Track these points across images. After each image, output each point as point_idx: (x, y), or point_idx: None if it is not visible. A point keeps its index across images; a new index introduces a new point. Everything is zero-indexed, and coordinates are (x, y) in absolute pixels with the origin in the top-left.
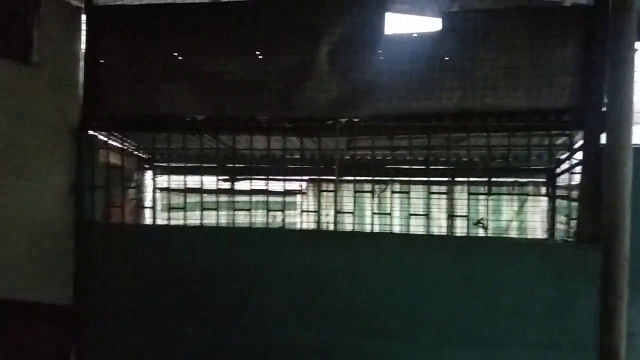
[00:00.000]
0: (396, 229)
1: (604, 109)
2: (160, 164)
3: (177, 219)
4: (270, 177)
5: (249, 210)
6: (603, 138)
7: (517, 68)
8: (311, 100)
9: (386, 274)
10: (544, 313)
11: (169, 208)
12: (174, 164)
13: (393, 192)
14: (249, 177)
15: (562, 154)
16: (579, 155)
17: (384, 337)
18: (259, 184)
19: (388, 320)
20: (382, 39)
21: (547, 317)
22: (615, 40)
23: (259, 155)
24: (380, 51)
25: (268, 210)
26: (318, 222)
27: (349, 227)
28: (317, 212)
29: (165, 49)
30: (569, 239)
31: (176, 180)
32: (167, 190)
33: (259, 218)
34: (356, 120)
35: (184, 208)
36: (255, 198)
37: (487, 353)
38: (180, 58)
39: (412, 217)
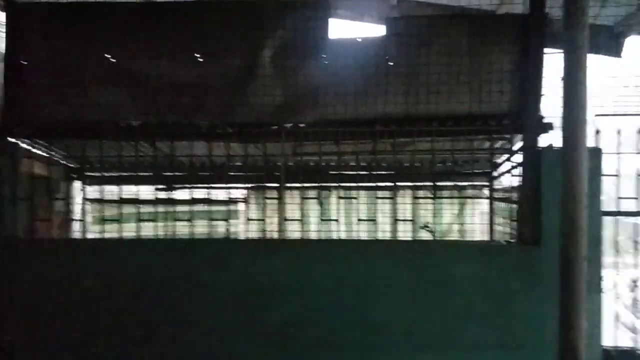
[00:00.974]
0: (343, 235)
1: (541, 113)
2: (91, 174)
3: (111, 231)
4: (211, 185)
5: (190, 220)
6: (540, 141)
7: (458, 74)
8: (255, 105)
9: (333, 281)
10: (489, 314)
11: (102, 220)
12: (106, 174)
13: (339, 197)
14: (188, 185)
15: (501, 157)
16: (516, 158)
17: (333, 346)
18: (199, 193)
19: (336, 328)
20: (326, 43)
21: (492, 318)
22: (569, 47)
23: (200, 163)
24: (325, 56)
25: (210, 220)
26: (263, 230)
27: (295, 235)
28: (262, 220)
29: (97, 50)
30: (511, 241)
31: (109, 191)
32: (99, 201)
33: (200, 228)
34: (302, 125)
35: (118, 220)
36: (196, 207)
37: (435, 356)
38: (113, 60)
39: (358, 222)
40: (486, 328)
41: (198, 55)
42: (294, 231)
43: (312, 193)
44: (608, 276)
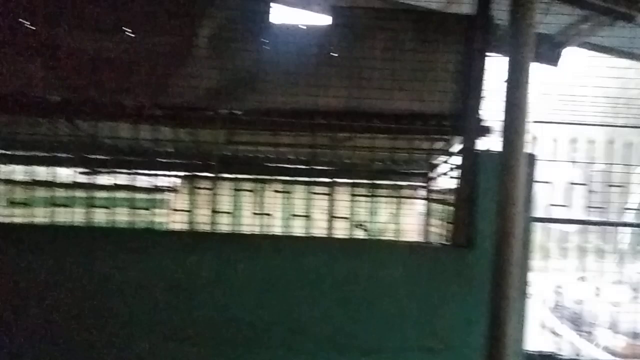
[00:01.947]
0: (277, 230)
1: (481, 116)
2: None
3: (22, 216)
4: (137, 171)
5: (111, 208)
6: (479, 144)
7: (402, 70)
8: (188, 88)
9: (264, 277)
10: (418, 316)
11: (11, 203)
12: (18, 153)
13: (274, 191)
14: (111, 170)
15: (439, 158)
16: (454, 160)
17: (256, 346)
18: (123, 179)
19: (264, 327)
20: (267, 27)
21: (421, 320)
22: (514, 53)
23: (125, 146)
24: (265, 41)
25: (134, 209)
26: (191, 222)
27: (226, 229)
28: (191, 211)
29: (9, 14)
30: (444, 243)
31: (21, 172)
32: (9, 182)
33: (122, 217)
34: (238, 112)
35: (29, 203)
36: (118, 194)
37: (364, 359)
38: (31, 27)
39: (293, 217)
40: (415, 330)
41: (128, 30)
42: (224, 224)
43: (246, 185)
44: (535, 281)
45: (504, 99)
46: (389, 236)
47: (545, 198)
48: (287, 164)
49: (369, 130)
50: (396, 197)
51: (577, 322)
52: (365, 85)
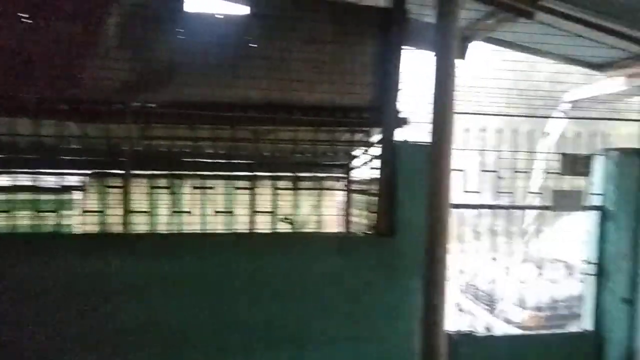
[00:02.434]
0: (197, 228)
1: (398, 108)
2: None
3: None
4: (40, 170)
5: (11, 211)
6: (397, 135)
7: (322, 63)
8: (95, 80)
9: (185, 277)
10: (347, 306)
11: None
12: None
13: (193, 187)
14: (10, 170)
15: (359, 150)
16: (374, 151)
17: (185, 348)
18: (25, 179)
19: (187, 328)
20: (181, 15)
21: (350, 310)
22: (440, 47)
23: (26, 144)
24: (179, 30)
25: (37, 212)
26: (102, 223)
27: (140, 229)
28: (102, 212)
29: None
30: (368, 233)
31: None
32: None
33: (24, 221)
34: (152, 106)
35: None
36: (20, 196)
37: (293, 353)
38: None
39: (214, 214)
40: (342, 320)
41: (26, 16)
42: (140, 224)
43: (162, 182)
44: (452, 264)
45: (433, 92)
46: (312, 228)
47: (458, 185)
48: (206, 158)
49: (290, 122)
50: (318, 189)
51: (489, 300)
52: (286, 78)
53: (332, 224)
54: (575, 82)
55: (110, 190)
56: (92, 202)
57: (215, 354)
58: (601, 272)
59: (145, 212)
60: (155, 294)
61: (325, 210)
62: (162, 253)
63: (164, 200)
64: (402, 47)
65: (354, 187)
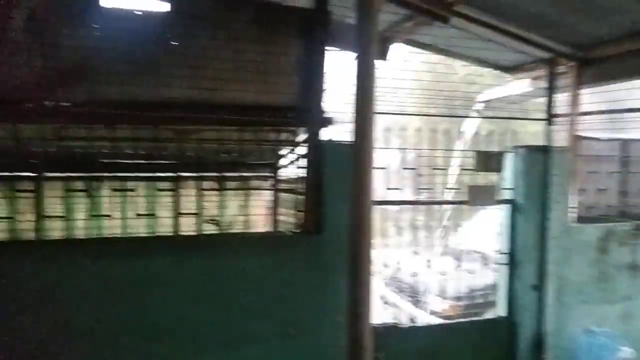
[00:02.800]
0: (118, 232)
1: (323, 107)
2: None
3: None
4: None
5: None
6: (323, 134)
7: (246, 62)
8: (4, 77)
9: (107, 283)
10: (276, 305)
11: None
12: None
13: (113, 190)
14: None
15: (286, 149)
16: (300, 151)
17: (105, 355)
18: None
19: (110, 335)
20: (97, 11)
21: (279, 308)
22: (361, 47)
23: None
24: (96, 26)
25: None
26: (12, 230)
27: (55, 234)
28: (10, 218)
29: None
30: (295, 231)
31: None
32: None
33: None
34: (66, 104)
35: None
36: None
37: (223, 354)
38: None
39: (136, 217)
40: (272, 319)
41: None
42: (54, 230)
43: (79, 184)
44: (377, 259)
45: (354, 92)
46: (239, 229)
47: (380, 183)
48: (127, 159)
49: (214, 122)
50: (244, 189)
51: (412, 292)
52: (209, 76)
53: (261, 224)
54: (490, 84)
55: (21, 194)
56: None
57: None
58: (512, 262)
59: (60, 216)
60: (75, 301)
61: (253, 210)
62: (80, 258)
63: (81, 203)
64: (326, 47)
65: (281, 186)
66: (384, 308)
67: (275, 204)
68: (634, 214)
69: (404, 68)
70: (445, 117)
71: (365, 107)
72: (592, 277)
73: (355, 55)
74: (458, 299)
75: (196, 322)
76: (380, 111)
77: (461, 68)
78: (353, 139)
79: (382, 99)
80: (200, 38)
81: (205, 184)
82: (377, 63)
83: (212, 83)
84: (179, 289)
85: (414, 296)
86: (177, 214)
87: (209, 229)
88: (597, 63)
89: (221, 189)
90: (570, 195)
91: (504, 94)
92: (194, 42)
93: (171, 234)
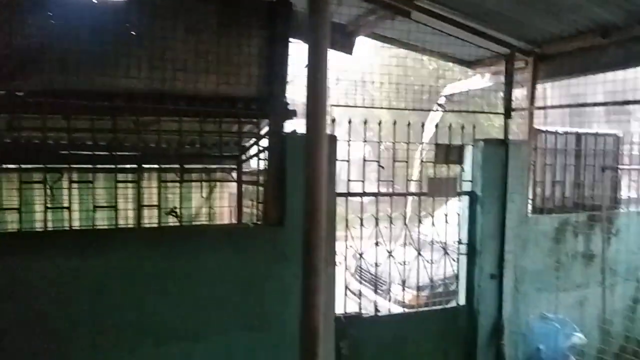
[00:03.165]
0: (76, 225)
1: (286, 99)
2: None
3: None
4: None
5: None
6: (286, 126)
7: (207, 53)
8: None
9: (65, 277)
10: (239, 297)
11: None
12: None
13: (71, 182)
14: None
15: (249, 141)
16: (263, 143)
17: (66, 348)
18: None
19: (70, 328)
20: None
21: (242, 300)
22: (312, 40)
23: None
24: (51, 13)
25: None
26: None
27: (12, 227)
28: None
29: None
30: (257, 223)
31: None
32: None
33: None
34: (20, 94)
35: None
36: None
37: (187, 346)
38: None
39: (95, 210)
40: (235, 311)
41: None
42: (10, 222)
43: (36, 176)
44: (340, 249)
45: (306, 84)
46: (203, 221)
47: (345, 174)
48: (85, 150)
49: (175, 113)
50: (205, 180)
51: (378, 283)
52: (170, 67)
53: (226, 216)
54: (457, 78)
55: None
56: None
57: (101, 353)
58: (472, 251)
59: (15, 209)
60: (33, 294)
61: (218, 202)
62: (38, 251)
63: (38, 196)
64: (289, 39)
65: (246, 178)
66: (350, 298)
67: (241, 196)
68: (588, 205)
69: (372, 62)
70: (412, 111)
71: (317, 99)
72: (548, 266)
73: (307, 47)
74: (422, 288)
75: (158, 314)
76: (346, 104)
77: (431, 62)
78: (305, 131)
79: (350, 92)
80: (160, 28)
81: (169, 176)
82: (344, 56)
83: (172, 74)
84: (139, 281)
85: (380, 286)
86: (138, 206)
87: (171, 222)
88: (552, 59)
89: (182, 180)
90: (528, 187)
91: (467, 88)
92: (153, 32)
93: (131, 227)
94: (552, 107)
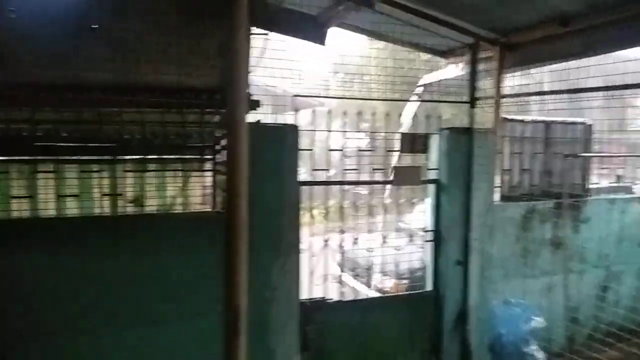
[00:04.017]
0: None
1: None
2: None
3: None
4: None
5: None
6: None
7: (170, 44)
8: None
9: (35, 264)
10: (199, 283)
11: None
12: None
13: (35, 172)
14: None
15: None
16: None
17: (37, 334)
18: None
19: (40, 315)
20: None
21: (202, 286)
22: (233, 26)
23: None
24: (11, 8)
25: None
26: None
27: None
28: None
29: None
30: (219, 211)
31: None
32: None
33: None
34: None
35: None
36: None
37: (146, 331)
38: None
39: (60, 199)
40: (195, 297)
41: None
42: None
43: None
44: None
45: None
46: (176, 210)
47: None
48: (50, 141)
49: (138, 104)
50: (180, 170)
51: (358, 270)
52: (132, 59)
53: (199, 206)
54: (431, 69)
55: None
56: None
57: (67, 338)
58: (438, 238)
59: None
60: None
61: (191, 192)
62: (10, 240)
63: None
64: (251, 29)
65: (219, 168)
66: (331, 284)
67: (215, 186)
68: (555, 193)
69: (346, 52)
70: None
71: (236, 85)
72: (515, 253)
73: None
74: (399, 275)
75: (122, 299)
76: (320, 94)
77: (407, 53)
78: (225, 116)
79: (325, 83)
80: (121, 18)
81: (133, 166)
82: (318, 47)
83: (134, 65)
84: (107, 267)
85: (360, 274)
86: (102, 195)
87: (137, 210)
88: (518, 48)
89: (147, 170)
90: (495, 175)
91: (441, 78)
92: (114, 22)
93: (92, 215)
94: (518, 95)
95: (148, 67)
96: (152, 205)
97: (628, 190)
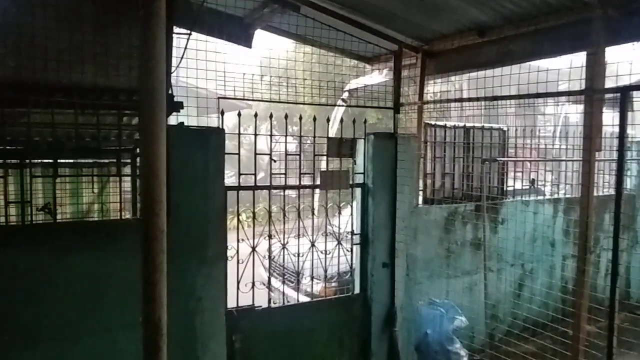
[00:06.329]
0: None
1: (171, 91)
2: None
3: None
4: None
5: None
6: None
7: (84, 43)
8: None
9: None
10: (120, 293)
11: None
12: None
13: None
14: None
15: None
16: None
17: None
18: None
19: None
20: None
21: (123, 297)
22: (151, 24)
23: None
24: None
25: None
26: None
27: None
28: None
29: None
30: (139, 218)
31: None
32: None
33: None
34: None
35: None
36: None
37: (60, 346)
38: None
39: None
40: (115, 308)
41: None
42: None
43: None
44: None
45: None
46: (94, 217)
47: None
48: None
49: (47, 104)
50: (96, 175)
51: (286, 275)
52: (40, 57)
53: (119, 211)
54: (356, 74)
55: None
56: None
57: None
58: (365, 241)
59: None
60: None
61: (110, 198)
62: None
63: None
64: (173, 29)
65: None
66: (260, 290)
67: (135, 191)
68: (475, 196)
69: (273, 55)
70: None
71: (153, 88)
72: (438, 254)
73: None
74: (331, 279)
75: (30, 316)
76: (247, 98)
77: (334, 58)
78: (140, 120)
79: (252, 85)
80: (28, 15)
81: (44, 171)
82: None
83: (43, 64)
84: (10, 280)
85: (289, 279)
86: (6, 203)
87: (44, 219)
88: (439, 55)
89: (54, 175)
90: (418, 178)
91: (367, 83)
92: (20, 19)
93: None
94: (440, 101)
95: (58, 66)
96: (65, 212)
97: (540, 192)
